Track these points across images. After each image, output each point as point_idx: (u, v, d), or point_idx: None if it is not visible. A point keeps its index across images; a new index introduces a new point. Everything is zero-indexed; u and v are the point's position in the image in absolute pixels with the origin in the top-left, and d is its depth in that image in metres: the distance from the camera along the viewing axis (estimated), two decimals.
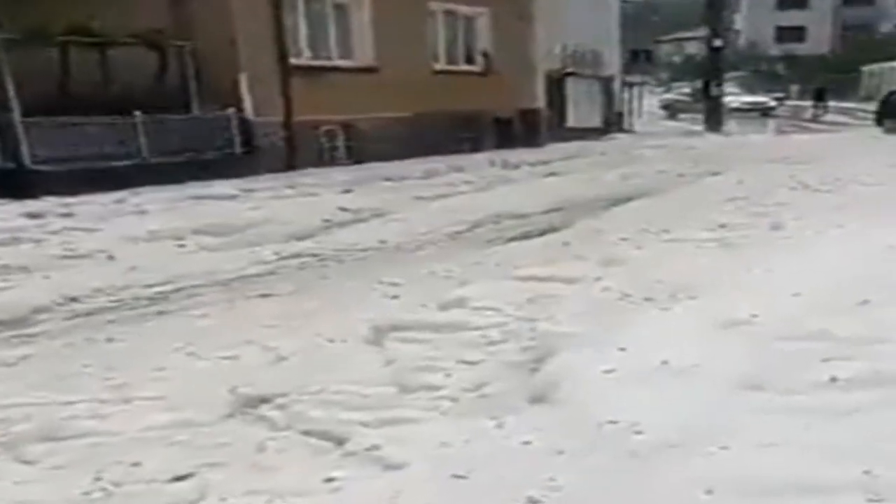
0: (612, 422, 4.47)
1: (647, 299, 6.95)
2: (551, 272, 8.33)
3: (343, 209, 13.65)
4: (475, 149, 25.25)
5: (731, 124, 41.89)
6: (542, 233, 11.98)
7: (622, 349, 5.51)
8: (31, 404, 5.78)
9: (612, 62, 36.53)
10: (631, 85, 41.01)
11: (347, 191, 16.64)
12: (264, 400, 5.61)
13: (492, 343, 6.31)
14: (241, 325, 7.55)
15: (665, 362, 5.22)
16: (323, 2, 21.54)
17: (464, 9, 25.92)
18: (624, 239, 10.34)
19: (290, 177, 17.97)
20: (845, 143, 26.62)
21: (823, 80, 51.70)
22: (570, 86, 32.69)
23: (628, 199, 15.42)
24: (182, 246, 11.29)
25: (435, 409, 5.30)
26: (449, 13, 25.54)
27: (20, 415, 5.58)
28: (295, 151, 20.15)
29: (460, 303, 7.29)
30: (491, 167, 21.93)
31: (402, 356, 6.21)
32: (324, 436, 5.05)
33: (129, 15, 17.33)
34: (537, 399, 5.12)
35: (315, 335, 6.94)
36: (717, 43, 38.67)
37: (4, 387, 6.24)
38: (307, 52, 21.06)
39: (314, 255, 10.80)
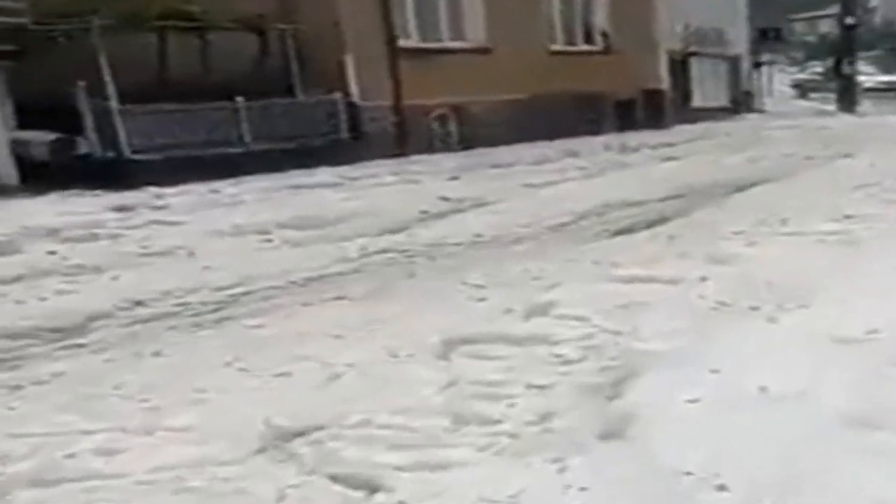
0: (688, 473, 3.50)
1: (752, 308, 5.91)
2: (652, 272, 7.31)
3: (444, 198, 12.80)
4: (595, 132, 24.16)
5: (865, 104, 39.78)
6: (652, 224, 10.96)
7: (715, 371, 4.52)
8: (45, 434, 5.03)
9: (739, 41, 34.89)
10: (759, 64, 39.18)
11: (453, 178, 15.81)
12: (299, 433, 4.76)
13: (569, 362, 5.34)
14: (304, 335, 6.71)
15: (763, 389, 4.26)
16: None
17: None
18: (738, 232, 9.23)
19: (399, 163, 17.19)
20: None
21: None
22: (695, 65, 31.24)
23: (751, 184, 14.35)
24: (267, 241, 10.57)
25: (489, 447, 4.36)
26: None
27: (26, 448, 4.84)
28: (405, 137, 19.36)
29: (545, 309, 6.34)
30: (607, 151, 20.94)
31: (466, 376, 5.27)
32: (351, 482, 4.17)
33: None
34: (609, 435, 4.16)
35: (381, 348, 6.07)
36: (850, 20, 36.69)
37: (26, 409, 5.52)
38: (417, 33, 20.20)
39: (403, 251, 9.95)
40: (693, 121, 28.40)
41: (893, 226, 8.81)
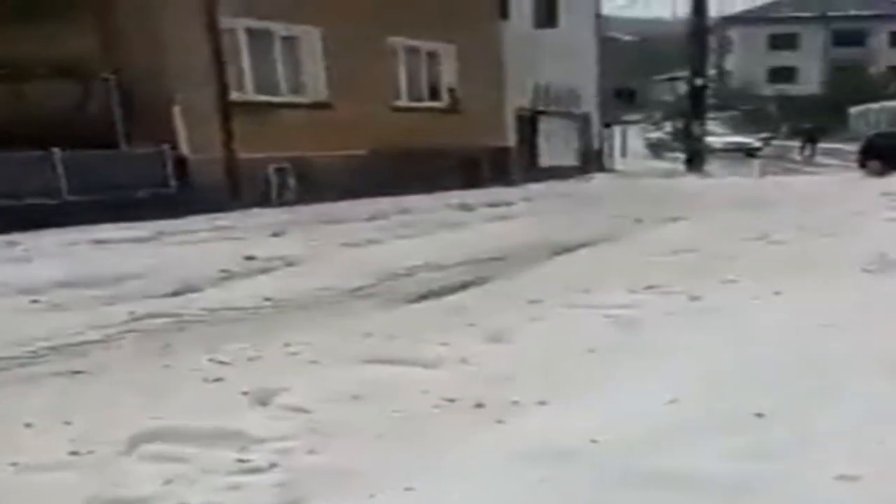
0: None
1: (478, 406, 5.47)
2: (417, 353, 6.84)
3: (250, 258, 12.19)
4: (439, 188, 23.75)
5: (714, 165, 40.49)
6: (451, 291, 10.49)
7: (409, 489, 4.04)
8: None
9: (589, 100, 35.06)
10: (609, 124, 39.54)
11: (276, 234, 15.24)
12: None
13: (251, 471, 4.68)
14: None
15: None
16: (270, 35, 20.17)
17: (428, 45, 24.58)
18: (534, 301, 8.93)
19: (224, 217, 16.53)
20: (822, 187, 25.13)
21: (813, 121, 50.18)
22: (543, 124, 31.21)
23: (576, 246, 14.06)
24: (34, 301, 9.75)
25: None
26: (411, 49, 24.22)
27: None
28: (238, 190, 18.76)
29: (271, 396, 5.78)
30: (445, 209, 20.49)
31: (112, 490, 4.49)
32: None
33: (50, 42, 15.98)
34: None
35: (67, 441, 5.21)
36: (698, 81, 37.24)
37: None
38: (253, 87, 19.66)
39: (174, 317, 9.19)
40: (541, 179, 28.25)
41: (685, 303, 8.50)
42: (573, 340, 6.99)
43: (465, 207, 21.09)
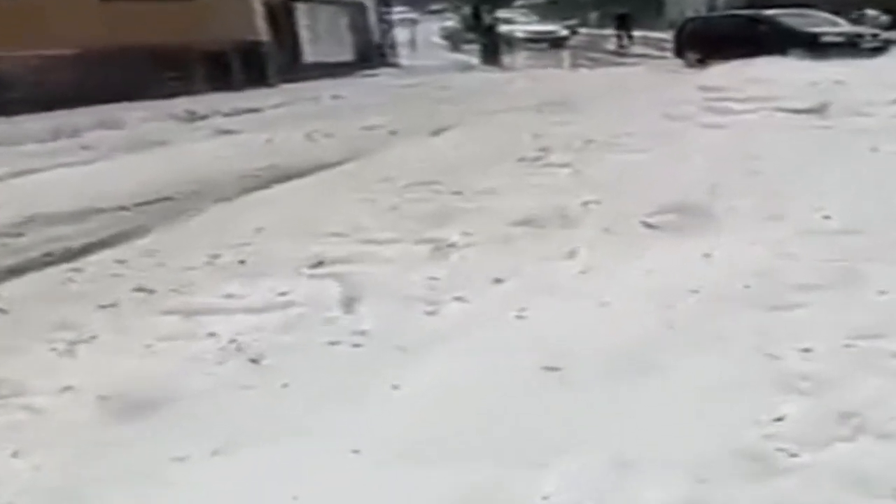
0: None
1: None
2: None
3: None
4: (179, 92, 20.49)
5: (519, 57, 37.81)
6: (81, 252, 7.61)
7: None
8: None
9: None
10: (386, 14, 36.34)
11: None
12: None
13: None
14: None
15: None
16: None
17: None
18: (105, 307, 5.73)
19: None
20: (633, 82, 22.42)
21: (626, 6, 47.69)
22: (303, 14, 27.80)
23: (287, 177, 11.06)
24: None
25: None
26: None
27: None
28: None
29: None
30: (162, 120, 17.19)
31: None
32: None
33: None
34: None
35: None
36: None
37: None
38: None
39: None
40: (306, 78, 25.08)
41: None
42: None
43: (191, 118, 17.79)
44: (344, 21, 30.84)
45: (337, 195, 9.51)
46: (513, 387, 3.90)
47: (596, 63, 37.08)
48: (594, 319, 4.64)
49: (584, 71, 31.05)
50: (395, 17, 44.70)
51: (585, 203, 7.72)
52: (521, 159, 10.77)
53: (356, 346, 4.61)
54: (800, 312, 4.66)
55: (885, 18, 31.75)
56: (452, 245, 6.51)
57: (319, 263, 6.37)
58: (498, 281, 5.52)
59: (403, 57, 37.20)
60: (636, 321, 4.54)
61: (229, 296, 5.68)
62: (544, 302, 5.04)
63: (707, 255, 5.71)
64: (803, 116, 13.03)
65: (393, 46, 37.06)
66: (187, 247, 7.45)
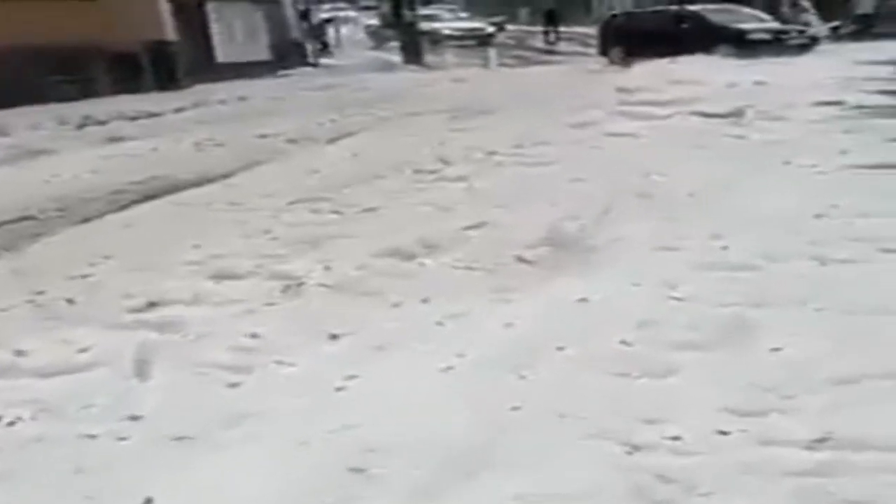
0: None
1: None
2: None
3: None
4: (81, 95, 19.60)
5: (444, 55, 37.04)
6: None
7: None
8: None
9: None
10: (307, 12, 35.46)
11: None
12: None
13: None
14: None
15: None
16: None
17: None
18: None
19: None
20: (553, 83, 21.76)
21: (552, 2, 47.03)
22: (215, 12, 26.85)
23: (164, 191, 10.40)
24: None
25: None
26: None
27: None
28: None
29: None
30: (59, 127, 16.43)
31: None
32: None
33: None
34: None
35: None
36: None
37: None
38: None
39: None
40: (219, 79, 24.21)
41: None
42: None
43: (84, 124, 17.03)
44: (260, 19, 29.89)
45: (209, 215, 8.77)
46: (304, 500, 3.13)
47: (522, 61, 36.45)
48: (428, 394, 3.87)
49: (507, 70, 30.37)
50: (325, 13, 43.86)
51: (466, 228, 6.99)
52: (418, 171, 10.13)
53: (120, 438, 3.77)
54: (675, 382, 3.93)
55: (812, 16, 31.41)
56: (303, 284, 5.71)
57: (151, 305, 5.55)
58: (334, 337, 4.74)
59: (325, 56, 36.32)
60: (476, 398, 3.78)
61: (19, 353, 4.82)
62: (379, 367, 4.26)
63: (583, 300, 4.98)
64: (719, 122, 12.46)
65: (314, 45, 36.13)
66: (19, 278, 6.62)
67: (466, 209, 7.82)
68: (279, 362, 4.42)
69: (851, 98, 13.77)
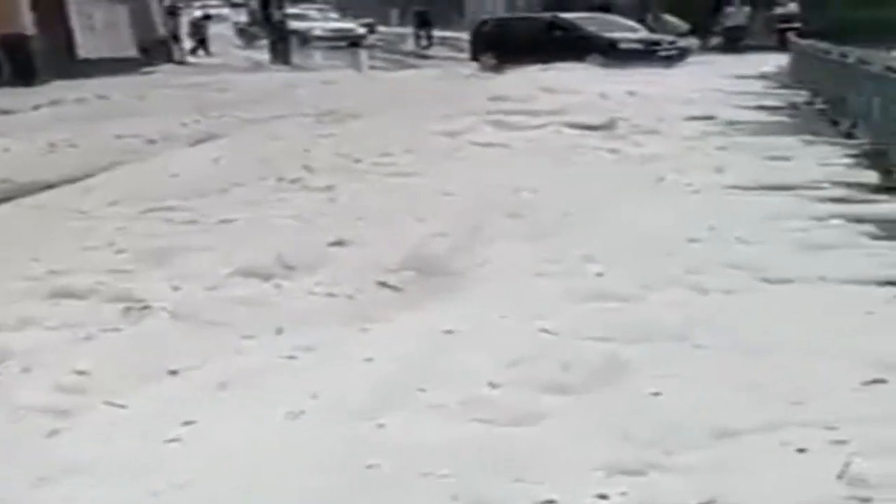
0: None
1: None
2: None
3: None
4: None
5: (314, 56, 36.44)
6: None
7: None
8: None
9: None
10: (175, 8, 34.56)
11: None
12: None
13: None
14: None
15: None
16: None
17: None
18: None
19: None
20: (423, 88, 21.30)
21: (425, 4, 46.51)
22: (77, 7, 25.91)
23: (8, 197, 9.70)
24: None
25: None
26: None
27: None
28: None
29: None
30: None
31: None
32: None
33: None
34: None
35: None
36: None
37: None
38: None
39: None
40: (81, 76, 23.28)
41: None
42: None
43: None
44: (124, 15, 28.92)
45: (54, 223, 8.16)
46: None
47: (394, 64, 36.03)
48: (272, 448, 3.39)
49: (377, 74, 29.87)
50: (198, 10, 42.79)
51: (329, 245, 6.56)
52: (281, 179, 9.68)
53: None
54: (545, 432, 3.53)
55: (683, 26, 31.58)
56: (146, 307, 5.19)
57: None
58: (173, 373, 4.26)
59: (202, 54, 35.41)
60: (327, 453, 3.32)
61: None
62: (220, 410, 3.76)
63: (449, 332, 4.59)
64: (592, 134, 12.23)
65: (191, 42, 35.23)
66: None
67: (330, 222, 7.41)
68: (109, 403, 3.91)
69: (724, 113, 13.74)
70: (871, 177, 8.84)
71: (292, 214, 7.88)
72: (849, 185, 8.54)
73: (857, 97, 12.05)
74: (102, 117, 16.38)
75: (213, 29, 42.59)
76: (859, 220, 7.07)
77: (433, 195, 8.33)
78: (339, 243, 6.62)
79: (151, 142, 13.24)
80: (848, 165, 9.58)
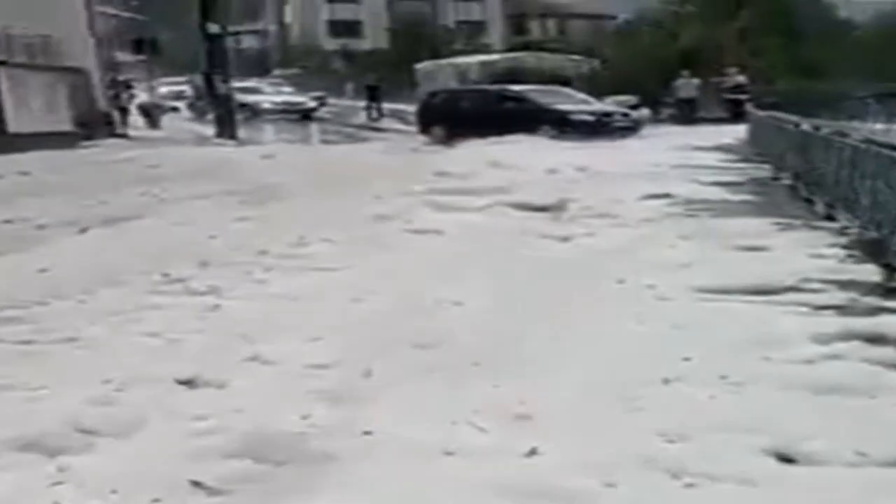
0: None
1: None
2: None
3: None
4: None
5: (264, 130, 34.84)
6: None
7: None
8: None
9: (85, 52, 28.30)
10: (123, 82, 32.87)
11: None
12: None
13: None
14: None
15: None
16: None
17: None
18: None
19: None
20: (365, 163, 19.53)
21: (376, 78, 44.97)
22: (7, 79, 24.20)
23: None
24: None
25: None
26: None
27: None
28: None
29: None
30: None
31: None
32: None
33: None
34: None
35: None
36: (214, 29, 30.42)
37: None
38: None
39: None
40: (11, 150, 21.45)
41: None
42: None
43: None
44: (61, 87, 27.12)
45: None
46: None
47: (344, 137, 34.45)
48: None
49: (323, 147, 28.23)
50: (157, 83, 41.10)
51: (178, 382, 4.70)
52: (166, 275, 7.85)
53: None
54: None
55: (633, 100, 30.29)
56: None
57: None
58: None
59: (137, 127, 33.61)
60: None
61: None
62: None
63: None
64: (538, 216, 10.50)
65: (128, 115, 33.48)
66: None
67: (195, 346, 5.53)
68: None
69: (683, 190, 12.04)
70: (873, 273, 7.01)
71: (156, 331, 6.02)
72: (847, 284, 6.69)
73: (834, 174, 10.28)
74: (8, 197, 14.47)
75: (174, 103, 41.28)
76: (874, 339, 5.25)
77: (339, 301, 6.52)
78: (188, 383, 4.74)
79: (42, 227, 11.32)
80: (839, 258, 7.68)
